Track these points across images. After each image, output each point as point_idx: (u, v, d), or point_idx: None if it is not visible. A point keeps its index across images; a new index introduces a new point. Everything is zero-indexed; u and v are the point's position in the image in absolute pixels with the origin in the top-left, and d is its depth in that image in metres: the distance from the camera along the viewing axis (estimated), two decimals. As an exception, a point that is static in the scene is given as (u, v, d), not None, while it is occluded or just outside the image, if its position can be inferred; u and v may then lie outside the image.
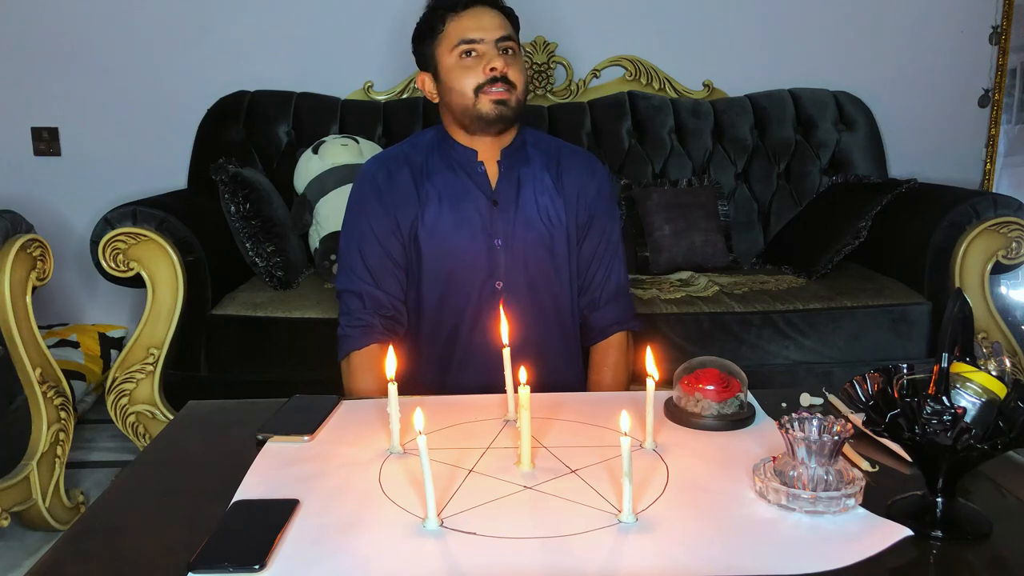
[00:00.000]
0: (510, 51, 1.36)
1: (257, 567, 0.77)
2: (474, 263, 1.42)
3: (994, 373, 0.90)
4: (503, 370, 1.11)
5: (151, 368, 2.11)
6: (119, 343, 2.67)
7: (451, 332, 1.45)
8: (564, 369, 1.49)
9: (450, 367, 1.46)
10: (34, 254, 1.80)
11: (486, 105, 1.35)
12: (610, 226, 1.51)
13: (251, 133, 2.72)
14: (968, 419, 0.84)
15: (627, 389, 1.49)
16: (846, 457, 0.97)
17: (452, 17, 1.35)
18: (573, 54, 2.96)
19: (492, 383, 1.24)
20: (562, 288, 1.47)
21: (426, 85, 1.42)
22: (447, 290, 1.43)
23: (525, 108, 1.41)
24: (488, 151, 1.42)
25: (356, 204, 1.45)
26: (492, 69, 1.33)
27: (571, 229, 1.46)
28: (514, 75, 1.35)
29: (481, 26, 1.34)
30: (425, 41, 1.39)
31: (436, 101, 1.42)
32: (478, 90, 1.35)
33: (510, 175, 1.43)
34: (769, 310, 2.23)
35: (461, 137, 1.42)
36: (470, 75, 1.35)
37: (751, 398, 1.18)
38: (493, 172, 1.43)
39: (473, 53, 1.35)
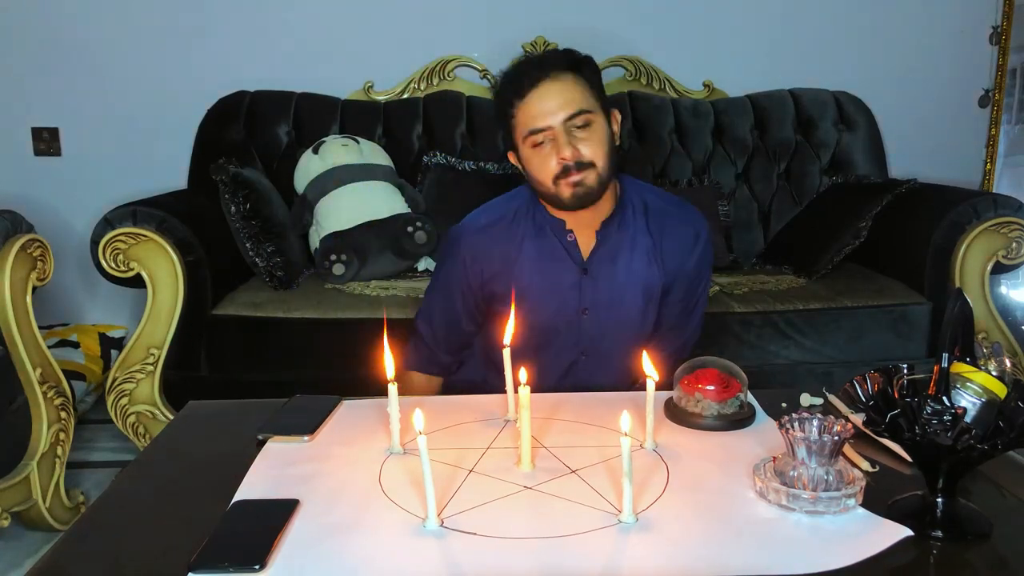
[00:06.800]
0: (586, 124, 1.31)
1: (257, 567, 0.77)
2: (559, 331, 1.42)
3: (994, 373, 0.90)
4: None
5: (151, 368, 2.11)
6: (119, 343, 2.66)
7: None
8: None
9: None
10: (34, 254, 1.80)
11: (565, 192, 1.33)
12: (700, 288, 1.48)
13: (251, 133, 2.72)
14: (968, 419, 0.84)
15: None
16: (846, 457, 0.97)
17: (518, 104, 1.32)
18: (573, 54, 2.96)
19: None
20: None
21: (517, 161, 1.41)
22: (528, 356, 1.36)
23: (614, 172, 1.37)
24: (578, 220, 1.39)
25: (450, 260, 1.46)
26: (562, 159, 1.30)
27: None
28: (590, 152, 1.30)
29: (546, 110, 1.30)
30: (501, 123, 1.38)
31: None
32: (555, 179, 1.32)
33: (606, 243, 1.41)
34: (769, 310, 2.23)
35: (549, 208, 1.40)
36: (545, 165, 1.32)
37: (751, 398, 1.18)
38: (583, 239, 1.41)
39: (544, 142, 1.32)
